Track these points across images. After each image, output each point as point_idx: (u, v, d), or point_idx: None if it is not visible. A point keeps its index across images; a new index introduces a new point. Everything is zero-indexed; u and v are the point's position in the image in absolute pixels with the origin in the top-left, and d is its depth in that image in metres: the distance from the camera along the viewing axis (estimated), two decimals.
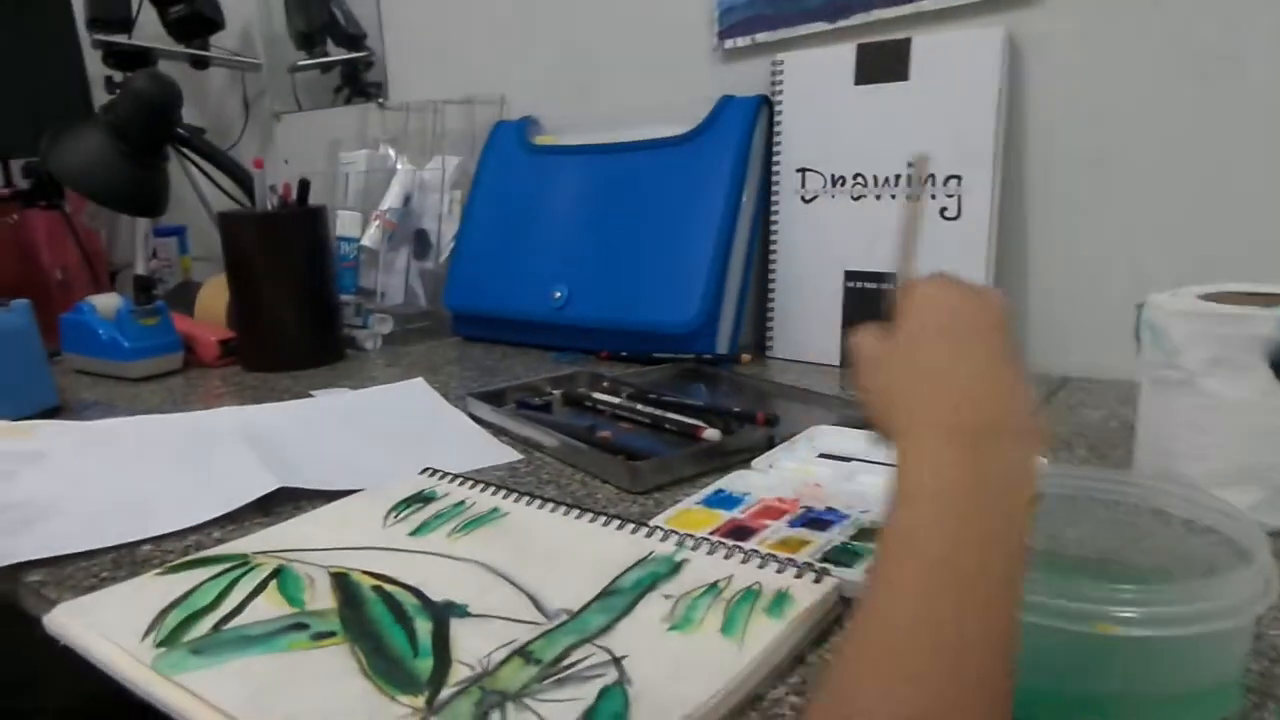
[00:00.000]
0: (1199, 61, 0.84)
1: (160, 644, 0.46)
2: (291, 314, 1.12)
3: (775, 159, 1.06)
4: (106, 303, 1.12)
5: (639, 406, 0.82)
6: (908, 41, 0.95)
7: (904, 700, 0.29)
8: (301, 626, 0.47)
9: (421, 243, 1.32)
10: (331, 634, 0.47)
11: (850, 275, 1.00)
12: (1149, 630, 0.37)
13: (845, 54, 0.99)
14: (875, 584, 0.33)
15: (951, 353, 0.40)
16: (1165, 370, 0.57)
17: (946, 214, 0.93)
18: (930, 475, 0.35)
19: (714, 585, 0.49)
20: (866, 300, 0.99)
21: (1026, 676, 0.39)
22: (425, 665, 0.43)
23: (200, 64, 1.61)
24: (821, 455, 0.70)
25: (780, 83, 1.05)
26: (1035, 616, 0.37)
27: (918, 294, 0.43)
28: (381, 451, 0.78)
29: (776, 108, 1.05)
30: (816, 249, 1.03)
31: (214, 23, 1.58)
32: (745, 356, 1.02)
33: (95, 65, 1.56)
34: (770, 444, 0.72)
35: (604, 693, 0.40)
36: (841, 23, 1.00)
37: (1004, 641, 0.31)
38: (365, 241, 1.27)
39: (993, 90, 0.90)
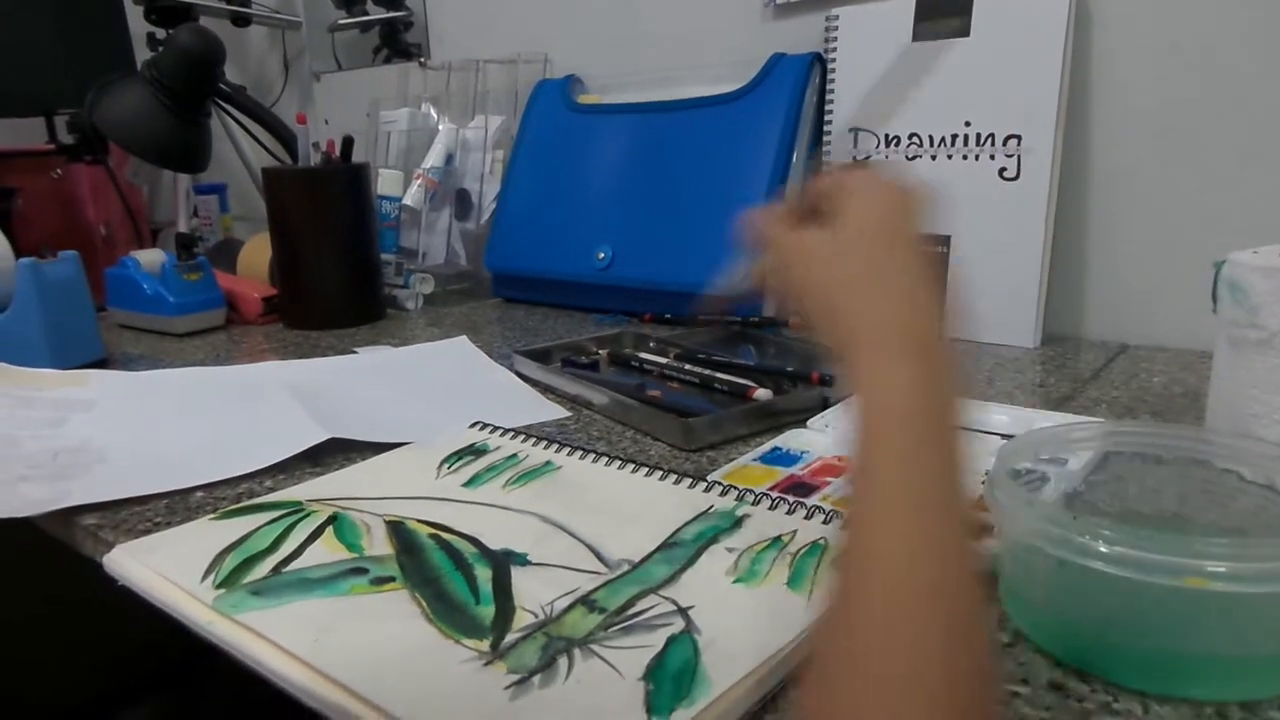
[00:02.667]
0: (1268, 19, 0.81)
1: (220, 585, 0.46)
2: (334, 271, 1.12)
3: (827, 118, 1.03)
4: (151, 258, 1.13)
5: (688, 366, 0.81)
6: None
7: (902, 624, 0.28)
8: (361, 571, 0.47)
9: (463, 203, 1.31)
10: (391, 579, 0.46)
11: None
12: (1242, 586, 0.35)
13: (904, 9, 0.96)
14: (875, 511, 0.32)
15: (894, 258, 0.38)
16: (1244, 329, 0.55)
17: (1005, 174, 0.90)
18: (909, 389, 0.33)
19: (778, 539, 0.48)
20: None
21: (1112, 635, 0.38)
22: (487, 611, 0.43)
23: (241, 21, 1.60)
24: None
25: (834, 39, 1.02)
26: (1121, 570, 0.36)
27: (861, 181, 0.41)
28: (429, 406, 0.78)
29: (830, 65, 1.03)
30: None
31: None
32: (793, 320, 1.01)
33: (137, 21, 1.56)
34: (825, 404, 0.71)
35: (672, 641, 0.39)
36: None
37: (973, 561, 0.31)
38: (407, 201, 1.26)
39: (1058, 48, 0.87)
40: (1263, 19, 0.81)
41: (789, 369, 0.79)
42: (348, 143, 1.14)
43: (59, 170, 1.35)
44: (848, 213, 0.40)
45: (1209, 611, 0.36)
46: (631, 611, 0.42)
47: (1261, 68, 0.82)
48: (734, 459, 0.62)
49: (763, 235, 0.44)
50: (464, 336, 0.99)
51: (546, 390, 0.81)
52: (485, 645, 0.40)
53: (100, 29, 1.53)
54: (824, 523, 0.49)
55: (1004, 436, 0.62)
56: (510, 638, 0.40)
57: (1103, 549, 0.37)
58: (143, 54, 1.53)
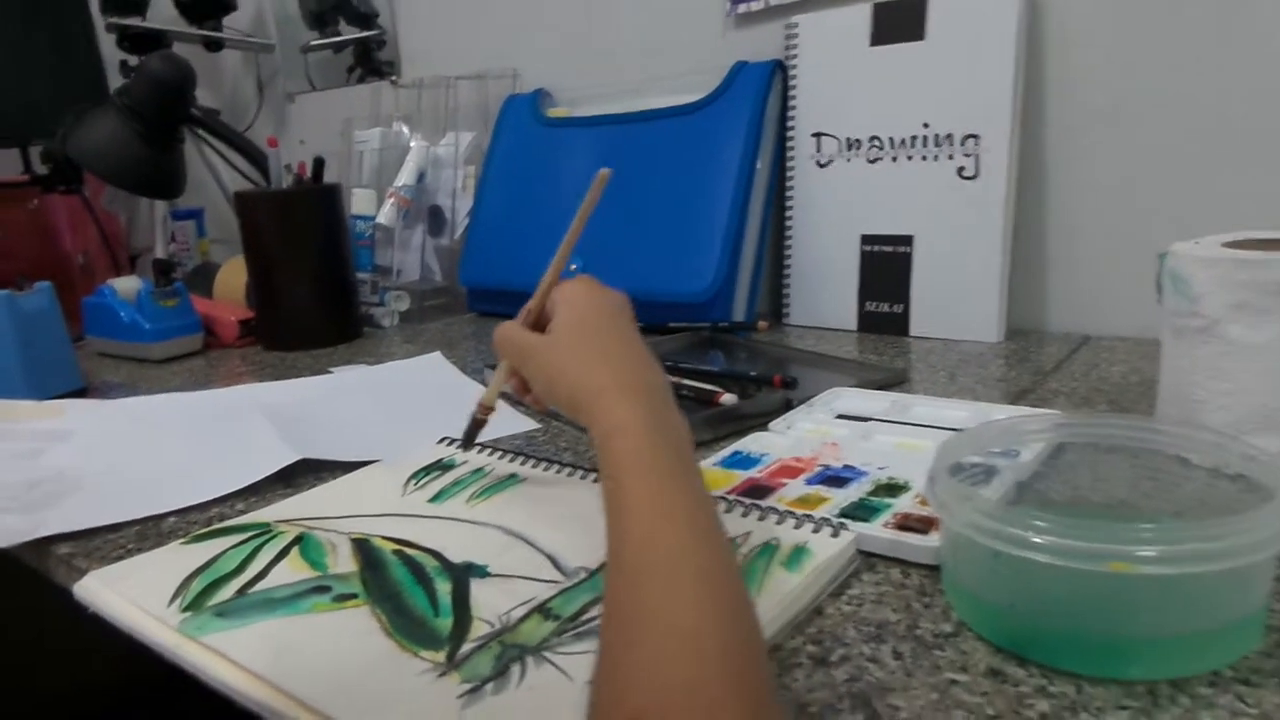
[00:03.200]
0: (1218, 14, 0.83)
1: (186, 608, 0.47)
2: (309, 292, 1.13)
3: (790, 124, 1.05)
4: (127, 285, 1.14)
5: None
6: (924, 0, 0.93)
7: (685, 560, 0.36)
8: (324, 589, 0.48)
9: (436, 219, 1.32)
10: (353, 596, 0.47)
11: (867, 239, 1.00)
12: (1163, 568, 0.36)
13: (861, 15, 0.98)
14: (621, 498, 0.40)
15: (613, 339, 0.51)
16: (1187, 319, 0.56)
17: (964, 173, 0.92)
18: (629, 415, 0.44)
19: (731, 542, 0.49)
20: (883, 264, 0.98)
21: (1048, 620, 0.39)
22: (446, 624, 0.44)
23: (214, 46, 1.61)
24: (840, 416, 0.69)
25: (795, 46, 1.04)
26: (1051, 557, 0.37)
27: (567, 293, 0.54)
28: (400, 423, 0.79)
29: (791, 71, 1.04)
30: (832, 214, 1.02)
31: (226, 4, 1.58)
32: (762, 324, 1.02)
33: (110, 49, 1.57)
34: (788, 407, 0.72)
35: None
36: None
37: (714, 518, 0.40)
38: (380, 219, 1.27)
39: (1011, 48, 0.88)
40: (1212, 15, 0.83)
41: (752, 373, 0.80)
42: (318, 164, 1.15)
43: (35, 201, 1.35)
44: (562, 316, 0.53)
45: (1136, 594, 0.38)
46: (586, 618, 0.43)
47: (1211, 64, 0.84)
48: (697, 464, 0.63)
49: (503, 343, 0.56)
50: (438, 353, 1.00)
51: (517, 403, 0.82)
52: (441, 656, 0.41)
53: (73, 57, 1.53)
54: (776, 524, 0.50)
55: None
56: (466, 648, 0.41)
57: (1034, 539, 0.38)
58: (116, 81, 1.54)
